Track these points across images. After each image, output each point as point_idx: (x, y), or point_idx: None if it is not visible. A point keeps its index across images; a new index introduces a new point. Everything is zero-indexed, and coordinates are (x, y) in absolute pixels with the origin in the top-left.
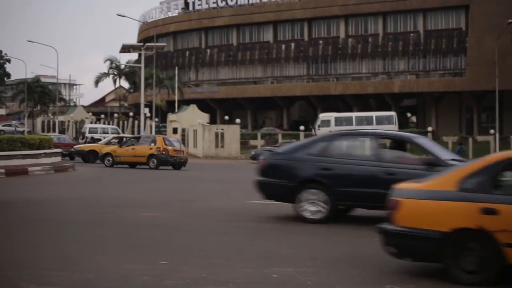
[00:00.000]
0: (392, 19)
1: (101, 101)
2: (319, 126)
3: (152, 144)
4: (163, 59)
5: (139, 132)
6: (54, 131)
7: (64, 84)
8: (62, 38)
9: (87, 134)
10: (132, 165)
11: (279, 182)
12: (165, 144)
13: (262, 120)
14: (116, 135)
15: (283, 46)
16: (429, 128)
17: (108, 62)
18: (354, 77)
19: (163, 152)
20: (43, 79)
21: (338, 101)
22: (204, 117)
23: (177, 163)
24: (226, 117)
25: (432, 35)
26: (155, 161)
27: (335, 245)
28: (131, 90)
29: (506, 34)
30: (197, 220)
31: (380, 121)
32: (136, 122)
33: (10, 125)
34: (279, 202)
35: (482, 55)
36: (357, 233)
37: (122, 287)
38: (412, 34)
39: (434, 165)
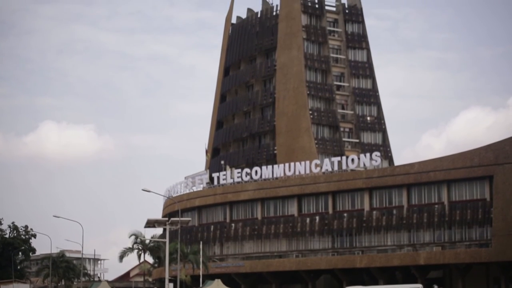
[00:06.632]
0: (416, 191)
1: (126, 276)
2: None
3: None
4: (187, 233)
5: None
6: None
7: (89, 259)
8: (87, 212)
9: None
10: None
11: None
12: None
13: None
14: None
15: (308, 220)
16: None
17: (133, 237)
18: (380, 249)
19: None
20: (67, 254)
21: (364, 274)
22: None
23: None
24: None
25: (456, 206)
26: None
27: None
28: (156, 265)
29: None
30: None
31: None
32: None
33: None
34: None
35: (508, 226)
36: None
37: None
38: (436, 206)
39: None
